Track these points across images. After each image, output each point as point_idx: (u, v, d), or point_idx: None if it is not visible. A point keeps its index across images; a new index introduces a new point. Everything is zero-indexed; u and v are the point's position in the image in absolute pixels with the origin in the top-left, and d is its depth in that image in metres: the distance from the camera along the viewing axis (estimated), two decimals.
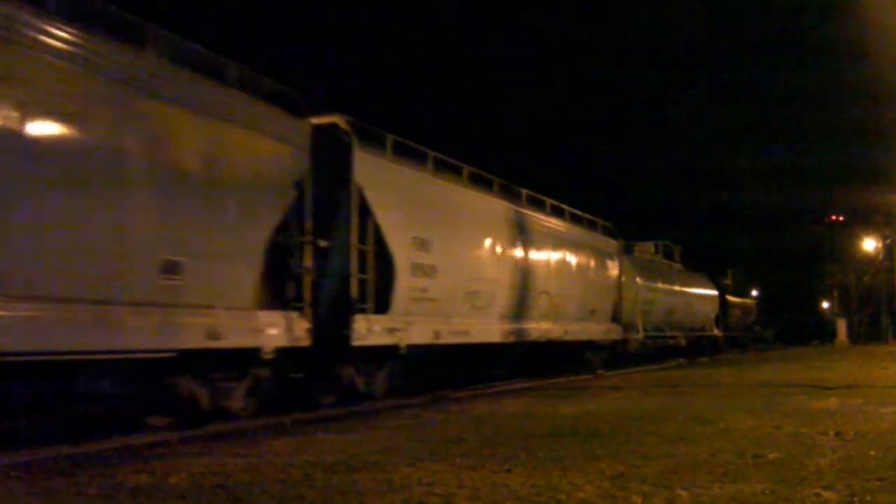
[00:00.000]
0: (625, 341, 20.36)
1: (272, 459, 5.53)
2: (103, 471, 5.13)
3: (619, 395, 10.84)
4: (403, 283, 10.68)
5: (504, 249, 13.83)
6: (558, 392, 11.64)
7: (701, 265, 32.67)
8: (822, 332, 54.04)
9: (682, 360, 23.85)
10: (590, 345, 18.14)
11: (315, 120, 9.71)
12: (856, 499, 3.99)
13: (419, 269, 11.07)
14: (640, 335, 21.38)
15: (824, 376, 13.47)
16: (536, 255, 15.18)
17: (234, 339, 7.91)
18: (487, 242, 13.32)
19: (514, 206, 14.63)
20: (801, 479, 4.47)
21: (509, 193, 14.73)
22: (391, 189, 10.71)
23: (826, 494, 4.07)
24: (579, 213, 18.03)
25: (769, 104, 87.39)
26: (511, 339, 13.88)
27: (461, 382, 12.50)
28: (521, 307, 14.28)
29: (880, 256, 48.11)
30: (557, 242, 16.32)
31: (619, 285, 19.78)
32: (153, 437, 6.92)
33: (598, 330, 18.51)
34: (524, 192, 15.31)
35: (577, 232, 17.73)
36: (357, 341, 9.69)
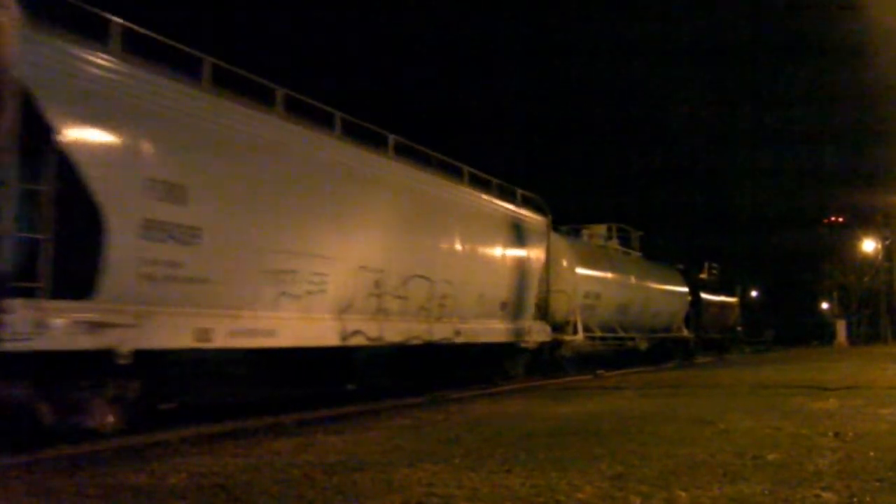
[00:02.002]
0: (557, 343, 16.48)
1: (272, 460, 5.53)
2: (103, 471, 5.14)
3: (619, 395, 10.84)
4: (126, 250, 6.97)
5: (347, 214, 9.94)
6: (557, 393, 11.65)
7: (672, 257, 29.79)
8: (821, 332, 54.08)
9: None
10: (505, 348, 14.23)
11: None
12: (855, 500, 4.00)
13: (163, 231, 7.30)
14: (580, 336, 17.36)
15: (824, 377, 13.46)
16: (409, 226, 11.30)
17: None
18: (315, 202, 9.45)
19: (368, 155, 10.61)
20: (801, 479, 4.48)
21: (364, 138, 10.66)
22: (104, 100, 6.95)
23: (825, 495, 4.08)
24: (487, 176, 13.87)
25: (769, 104, 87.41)
26: (358, 341, 9.92)
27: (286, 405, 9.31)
28: (377, 297, 10.36)
29: (880, 257, 48.17)
30: (447, 210, 12.34)
31: (545, 273, 15.54)
32: (153, 438, 6.92)
33: (513, 329, 14.20)
34: (392, 137, 11.15)
35: (480, 200, 13.48)
36: (13, 344, 6.11)
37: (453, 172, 12.85)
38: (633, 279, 21.88)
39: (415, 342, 11.12)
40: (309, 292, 9.15)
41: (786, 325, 63.84)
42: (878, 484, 4.36)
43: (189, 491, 4.45)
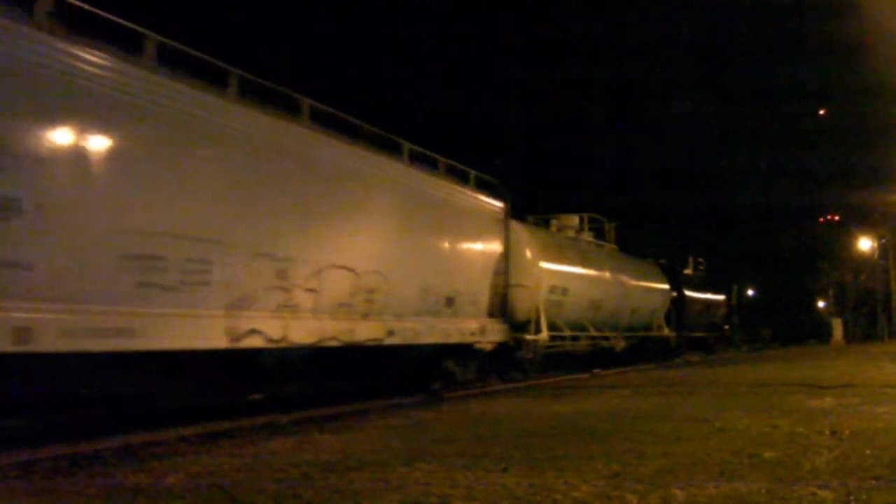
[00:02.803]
0: (519, 344, 15.00)
1: (269, 459, 5.54)
2: (102, 470, 5.15)
3: (615, 394, 10.85)
4: None
5: (241, 190, 8.37)
6: (553, 392, 11.66)
7: (658, 252, 28.32)
8: (818, 331, 54.21)
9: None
10: (453, 350, 12.52)
11: None
12: (851, 498, 4.01)
13: None
14: (544, 335, 15.65)
15: (820, 376, 13.48)
16: (327, 207, 9.62)
17: None
18: (196, 173, 7.87)
19: (272, 121, 8.91)
20: (798, 478, 4.49)
21: (277, 104, 9.05)
22: None
23: (822, 493, 4.09)
24: (433, 154, 12.20)
25: (769, 104, 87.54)
26: (253, 342, 8.30)
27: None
28: (283, 290, 8.76)
29: (876, 256, 48.30)
30: (379, 191, 10.64)
31: (504, 265, 13.93)
32: (152, 437, 6.92)
33: (463, 329, 12.52)
34: (308, 103, 9.41)
35: (423, 180, 11.77)
36: None
37: (390, 147, 11.04)
38: (607, 274, 20.18)
39: (332, 344, 9.42)
40: (185, 283, 7.54)
41: (782, 324, 64.01)
42: (874, 482, 4.38)
43: (187, 490, 4.45)
